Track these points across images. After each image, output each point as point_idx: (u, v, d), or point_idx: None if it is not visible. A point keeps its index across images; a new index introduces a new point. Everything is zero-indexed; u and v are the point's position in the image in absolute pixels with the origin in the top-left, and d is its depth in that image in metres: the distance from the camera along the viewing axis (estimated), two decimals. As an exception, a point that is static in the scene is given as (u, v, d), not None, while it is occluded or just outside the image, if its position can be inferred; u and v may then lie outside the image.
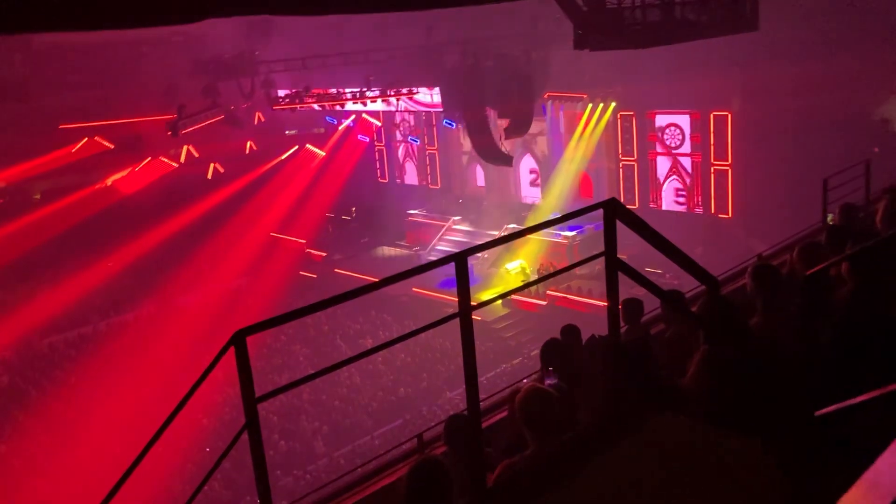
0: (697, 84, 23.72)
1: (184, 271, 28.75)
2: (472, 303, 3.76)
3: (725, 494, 3.36)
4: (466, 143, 30.34)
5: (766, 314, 4.78)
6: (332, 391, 22.56)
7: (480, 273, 27.31)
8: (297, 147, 34.54)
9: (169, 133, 23.76)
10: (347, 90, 25.77)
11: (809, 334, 3.78)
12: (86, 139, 28.19)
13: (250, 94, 25.40)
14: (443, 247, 31.70)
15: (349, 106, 27.09)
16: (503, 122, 26.26)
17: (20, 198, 29.23)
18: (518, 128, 25.76)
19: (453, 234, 32.32)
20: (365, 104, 26.60)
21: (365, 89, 25.55)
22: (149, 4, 5.17)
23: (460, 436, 5.10)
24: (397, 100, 26.25)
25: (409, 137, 35.45)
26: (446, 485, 3.52)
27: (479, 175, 33.64)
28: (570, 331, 6.06)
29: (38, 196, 29.87)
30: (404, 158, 36.56)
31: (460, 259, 3.67)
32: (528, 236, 23.17)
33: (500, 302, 25.10)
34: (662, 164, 27.20)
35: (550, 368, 5.44)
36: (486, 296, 24.03)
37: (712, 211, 26.03)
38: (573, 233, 27.09)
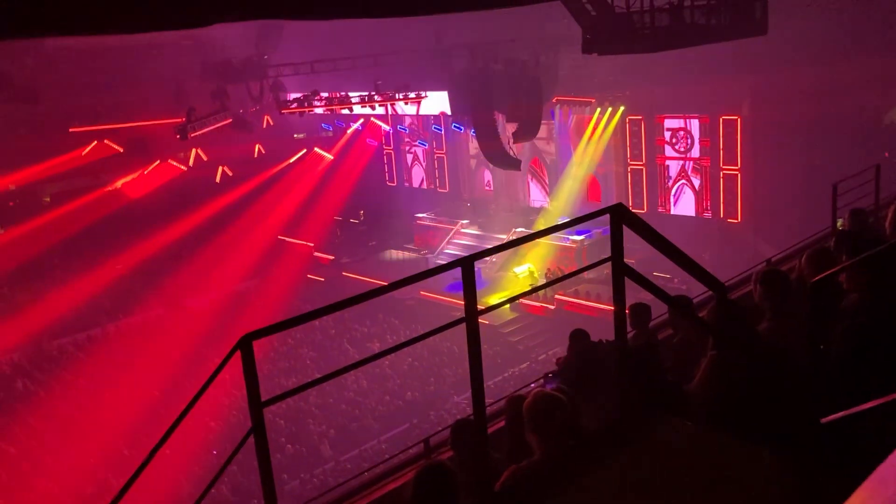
0: (707, 88, 23.65)
1: (192, 274, 28.83)
2: (480, 307, 3.76)
3: (732, 500, 3.35)
4: (474, 147, 30.34)
5: (775, 320, 4.77)
6: (339, 395, 22.57)
7: (488, 277, 27.30)
8: (305, 150, 34.61)
9: (178, 136, 23.86)
10: (356, 94, 25.82)
11: (817, 340, 3.76)
12: (95, 142, 28.34)
13: (259, 97, 25.50)
14: (451, 250, 31.69)
15: (357, 109, 27.14)
16: (511, 126, 26.27)
17: (30, 200, 29.40)
18: (526, 132, 25.76)
19: (461, 238, 32.32)
20: (373, 108, 26.64)
21: (373, 93, 25.60)
22: (158, 9, 5.19)
23: (466, 440, 5.09)
24: (405, 104, 26.29)
25: (418, 141, 35.49)
26: (453, 490, 3.52)
27: (488, 178, 33.66)
28: (580, 335, 6.05)
29: (47, 199, 30.05)
30: (412, 162, 36.60)
31: (467, 264, 3.67)
32: (536, 240, 23.18)
33: (507, 306, 25.09)
34: (671, 169, 27.14)
35: (551, 374, 5.43)
36: (493, 299, 24.15)
37: (721, 215, 25.93)
38: (581, 237, 27.04)
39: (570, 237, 27.05)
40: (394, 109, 27.39)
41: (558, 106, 28.57)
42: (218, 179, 31.45)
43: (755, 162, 24.52)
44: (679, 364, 5.34)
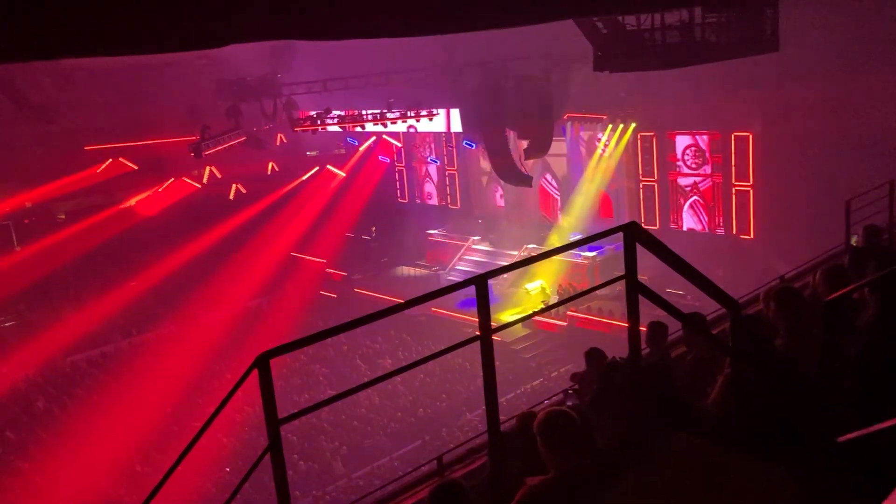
0: (718, 104, 23.65)
1: (205, 290, 28.95)
2: (493, 324, 3.78)
3: (748, 520, 3.34)
4: (486, 164, 30.42)
5: (789, 337, 4.75)
6: (352, 411, 22.54)
7: (500, 293, 27.26)
8: (318, 168, 34.77)
9: (192, 154, 24.02)
10: (368, 112, 25.97)
11: (832, 359, 3.75)
12: (110, 160, 28.58)
13: (272, 115, 25.64)
14: (462, 266, 31.71)
15: (370, 127, 27.28)
16: (523, 143, 26.32)
17: (45, 218, 29.62)
18: (538, 148, 25.81)
19: (473, 254, 32.34)
20: (385, 125, 26.77)
21: (385, 111, 25.73)
22: (171, 30, 5.26)
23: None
24: (417, 121, 26.40)
25: (430, 158, 35.61)
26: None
27: (499, 195, 33.71)
28: (596, 354, 6.04)
29: (62, 216, 30.25)
30: (424, 179, 36.72)
31: (481, 282, 3.69)
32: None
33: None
34: (683, 185, 27.10)
35: (570, 391, 5.43)
36: (505, 316, 24.19)
37: (734, 232, 25.86)
38: (594, 253, 27.01)
39: (583, 253, 27.02)
40: (406, 126, 27.48)
41: (570, 122, 28.61)
42: (232, 197, 31.63)
43: (767, 178, 24.45)
44: (694, 381, 5.33)
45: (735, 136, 25.14)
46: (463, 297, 23.71)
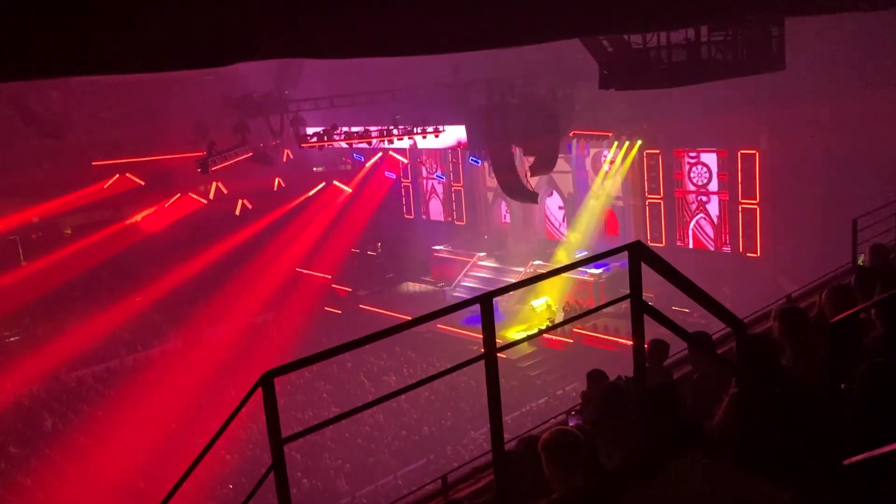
0: (725, 122, 23.66)
1: (210, 306, 28.99)
2: (498, 341, 3.77)
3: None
4: (492, 180, 30.46)
5: (795, 357, 4.73)
6: (356, 429, 22.45)
7: (505, 310, 27.23)
8: (324, 184, 34.87)
9: (199, 170, 24.10)
10: (374, 128, 26.07)
11: (838, 379, 3.73)
12: (117, 175, 28.70)
13: (279, 131, 25.77)
14: (468, 283, 31.68)
15: (376, 143, 27.37)
16: (528, 160, 26.37)
17: (52, 232, 29.74)
18: (544, 165, 25.84)
19: (478, 270, 32.32)
20: (391, 142, 26.86)
21: (391, 127, 25.82)
22: (179, 48, 5.29)
23: None
24: (423, 137, 26.48)
25: (436, 174, 35.70)
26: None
27: (505, 211, 33.74)
28: (598, 376, 6.02)
29: (69, 231, 30.37)
30: (430, 195, 36.78)
31: (486, 301, 3.69)
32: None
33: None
34: (689, 203, 27.09)
35: (574, 411, 5.41)
36: (511, 333, 24.14)
37: (740, 250, 25.78)
38: (599, 270, 26.97)
39: (588, 271, 26.97)
40: (412, 142, 27.58)
41: (575, 139, 28.64)
42: (238, 212, 31.71)
43: (774, 196, 24.43)
44: (699, 401, 5.30)
45: (741, 153, 25.14)
46: (468, 314, 23.70)
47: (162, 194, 30.36)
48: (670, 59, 14.04)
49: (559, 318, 26.62)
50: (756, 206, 25.21)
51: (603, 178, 28.66)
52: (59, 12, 4.26)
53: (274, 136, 25.99)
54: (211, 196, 30.54)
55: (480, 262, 32.57)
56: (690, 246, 27.05)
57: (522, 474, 4.50)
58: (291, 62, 24.86)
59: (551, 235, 32.06)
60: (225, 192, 30.45)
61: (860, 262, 8.19)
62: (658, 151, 27.32)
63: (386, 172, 35.99)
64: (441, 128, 26.81)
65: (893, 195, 9.63)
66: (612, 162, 28.17)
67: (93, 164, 27.84)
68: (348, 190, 35.05)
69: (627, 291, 4.10)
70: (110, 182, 28.72)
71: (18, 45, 4.33)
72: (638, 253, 3.99)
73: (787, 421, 3.92)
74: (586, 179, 29.82)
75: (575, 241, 29.33)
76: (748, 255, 25.58)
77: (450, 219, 35.79)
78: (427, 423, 23.10)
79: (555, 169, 27.15)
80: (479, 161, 29.63)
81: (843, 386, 3.93)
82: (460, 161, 33.69)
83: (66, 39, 4.51)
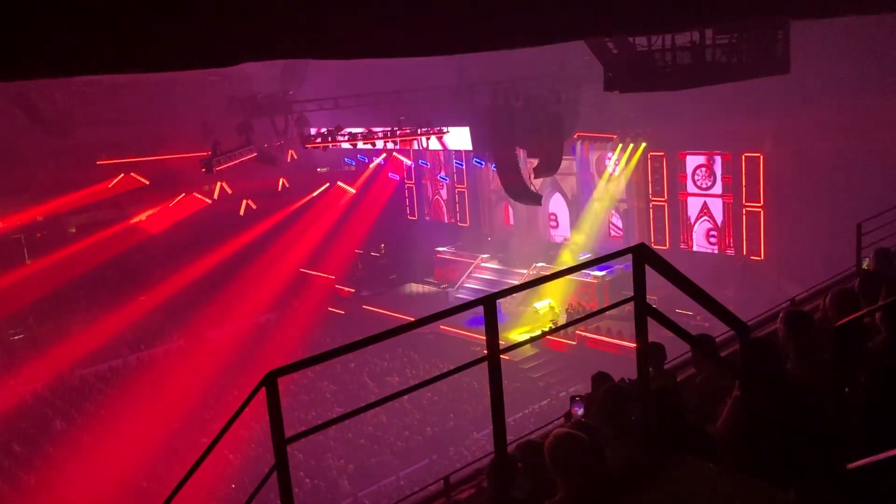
0: (729, 125, 23.62)
1: (214, 306, 29.01)
2: (501, 343, 3.77)
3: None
4: (496, 182, 30.47)
5: (799, 361, 4.73)
6: (359, 429, 22.47)
7: (508, 311, 27.22)
8: (328, 184, 34.91)
9: (203, 170, 24.14)
10: (378, 129, 26.10)
11: (842, 384, 3.72)
12: (122, 175, 28.74)
13: (283, 132, 25.81)
14: (471, 284, 31.70)
15: (380, 144, 27.40)
16: (533, 162, 26.37)
17: (56, 232, 29.78)
18: (548, 167, 25.83)
19: (482, 272, 32.33)
20: (396, 143, 26.88)
21: (396, 128, 25.85)
22: (185, 48, 5.31)
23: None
24: (427, 139, 26.50)
25: (440, 175, 35.71)
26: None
27: (509, 213, 33.74)
28: (602, 378, 6.01)
29: (73, 230, 30.41)
30: (434, 196, 36.80)
31: (489, 302, 3.69)
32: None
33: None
34: (693, 205, 27.06)
35: (578, 398, 5.41)
36: (514, 334, 24.13)
37: (744, 253, 25.75)
38: (603, 272, 26.95)
39: (592, 273, 26.95)
40: (416, 144, 27.62)
41: (580, 142, 28.66)
42: (242, 213, 31.75)
43: (778, 199, 24.39)
44: (702, 404, 5.30)
45: (746, 156, 25.11)
46: (471, 316, 23.64)
47: (166, 194, 30.39)
48: (675, 61, 14.02)
49: (562, 320, 26.62)
50: (760, 210, 25.18)
51: (607, 180, 28.65)
52: (65, 12, 4.28)
53: (278, 137, 26.04)
54: (215, 196, 30.56)
55: (484, 264, 32.59)
56: (694, 249, 27.02)
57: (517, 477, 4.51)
58: (297, 63, 24.89)
59: (555, 238, 32.05)
60: (229, 192, 30.48)
61: (864, 266, 8.18)
62: (662, 154, 27.31)
63: (390, 174, 36.03)
64: (445, 129, 26.85)
65: (898, 199, 9.60)
66: (616, 164, 28.15)
67: (97, 163, 27.88)
68: (352, 191, 35.08)
69: (631, 294, 4.11)
70: (115, 181, 28.75)
71: (26, 44, 4.35)
72: (641, 255, 3.99)
73: (790, 424, 3.91)
74: (590, 182, 29.81)
75: (579, 244, 29.31)
76: (752, 258, 25.54)
77: (453, 220, 35.79)
78: (430, 423, 23.11)
79: (559, 171, 27.15)
80: (483, 163, 29.67)
81: (846, 390, 3.92)
82: (464, 162, 33.71)
83: (72, 39, 4.53)
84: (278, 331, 29.17)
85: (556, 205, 31.89)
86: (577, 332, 25.55)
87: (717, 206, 26.49)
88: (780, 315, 5.03)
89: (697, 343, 5.08)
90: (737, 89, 16.62)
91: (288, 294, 31.17)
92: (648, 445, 4.22)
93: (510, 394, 21.76)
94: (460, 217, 35.43)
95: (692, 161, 26.85)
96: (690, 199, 27.10)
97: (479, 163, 30.28)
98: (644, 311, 4.05)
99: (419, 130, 26.09)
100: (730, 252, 26.25)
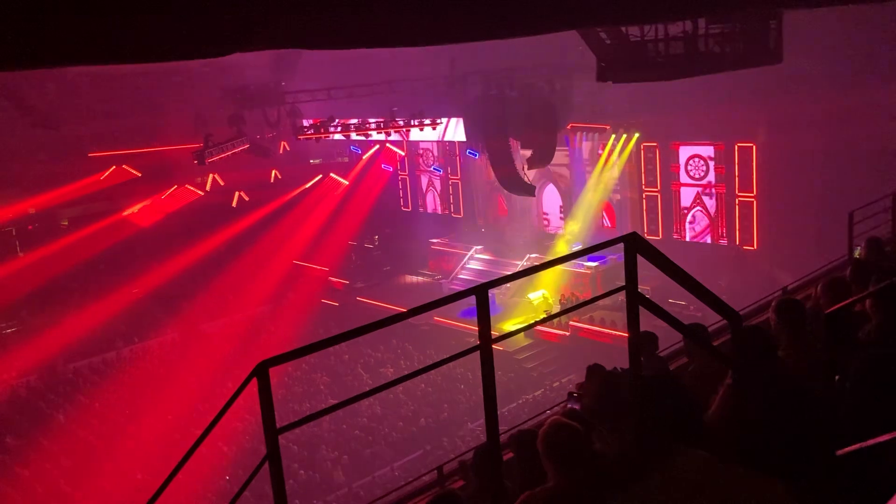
0: (722, 115, 23.65)
1: (207, 298, 28.97)
2: (494, 333, 3.77)
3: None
4: (489, 173, 30.47)
5: (790, 349, 4.75)
6: (353, 421, 22.50)
7: (502, 302, 27.25)
8: (321, 176, 34.85)
9: (195, 161, 24.05)
10: (371, 120, 26.03)
11: (833, 371, 3.74)
12: (114, 167, 28.61)
13: (276, 123, 25.71)
14: (465, 275, 31.72)
15: (373, 136, 27.34)
16: (526, 153, 26.36)
17: (48, 224, 29.67)
18: (541, 158, 25.84)
19: (475, 263, 32.34)
20: (388, 134, 26.82)
21: (389, 119, 25.79)
22: (176, 39, 5.28)
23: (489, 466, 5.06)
24: (420, 130, 26.44)
25: (433, 167, 35.67)
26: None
27: (502, 204, 33.74)
28: (596, 370, 6.02)
29: (65, 222, 30.31)
30: (427, 187, 36.77)
31: (481, 292, 3.69)
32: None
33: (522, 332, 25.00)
34: (686, 195, 27.10)
35: (575, 394, 5.42)
36: (507, 325, 24.15)
37: (737, 242, 25.84)
38: (596, 263, 27.00)
39: (585, 263, 27.02)
40: (409, 135, 27.57)
41: (573, 132, 28.65)
42: (234, 204, 31.68)
43: (771, 189, 24.44)
44: (694, 393, 5.31)
45: (738, 146, 25.16)
46: (465, 307, 23.64)
47: (159, 186, 30.27)
48: (668, 51, 14.01)
49: (556, 310, 26.66)
50: (753, 199, 25.25)
51: (600, 170, 28.65)
52: (54, 3, 4.25)
53: (270, 128, 25.94)
54: (208, 188, 30.49)
55: (477, 255, 32.60)
56: (687, 238, 27.08)
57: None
58: (288, 54, 24.79)
59: (548, 228, 32.08)
60: (222, 183, 30.40)
61: (856, 254, 8.22)
62: (655, 144, 27.33)
63: (383, 165, 35.97)
64: (438, 120, 26.79)
65: (889, 189, 9.63)
66: (609, 155, 28.14)
67: (89, 155, 27.74)
68: (345, 182, 35.03)
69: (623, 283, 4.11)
70: (107, 173, 28.62)
71: (15, 34, 4.32)
72: (633, 245, 3.99)
73: (781, 412, 3.93)
74: (584, 172, 29.80)
75: (572, 234, 29.33)
76: (745, 247, 25.62)
77: (447, 211, 35.79)
78: (424, 414, 23.16)
79: (552, 162, 27.14)
80: (477, 154, 29.64)
81: (837, 377, 3.94)
82: (458, 154, 33.68)
83: (61, 30, 4.50)
84: (272, 323, 29.16)
85: (550, 196, 31.89)
86: (571, 322, 25.61)
87: (709, 196, 26.52)
88: (772, 304, 5.05)
89: (690, 332, 5.09)
90: (730, 79, 16.62)
91: (282, 286, 31.14)
92: (641, 433, 4.23)
93: (504, 384, 21.81)
94: (454, 208, 35.42)
95: (685, 151, 26.86)
96: (683, 190, 27.14)
97: (472, 154, 30.24)
98: (636, 300, 4.05)
99: (412, 121, 26.03)
100: (723, 242, 26.33)
